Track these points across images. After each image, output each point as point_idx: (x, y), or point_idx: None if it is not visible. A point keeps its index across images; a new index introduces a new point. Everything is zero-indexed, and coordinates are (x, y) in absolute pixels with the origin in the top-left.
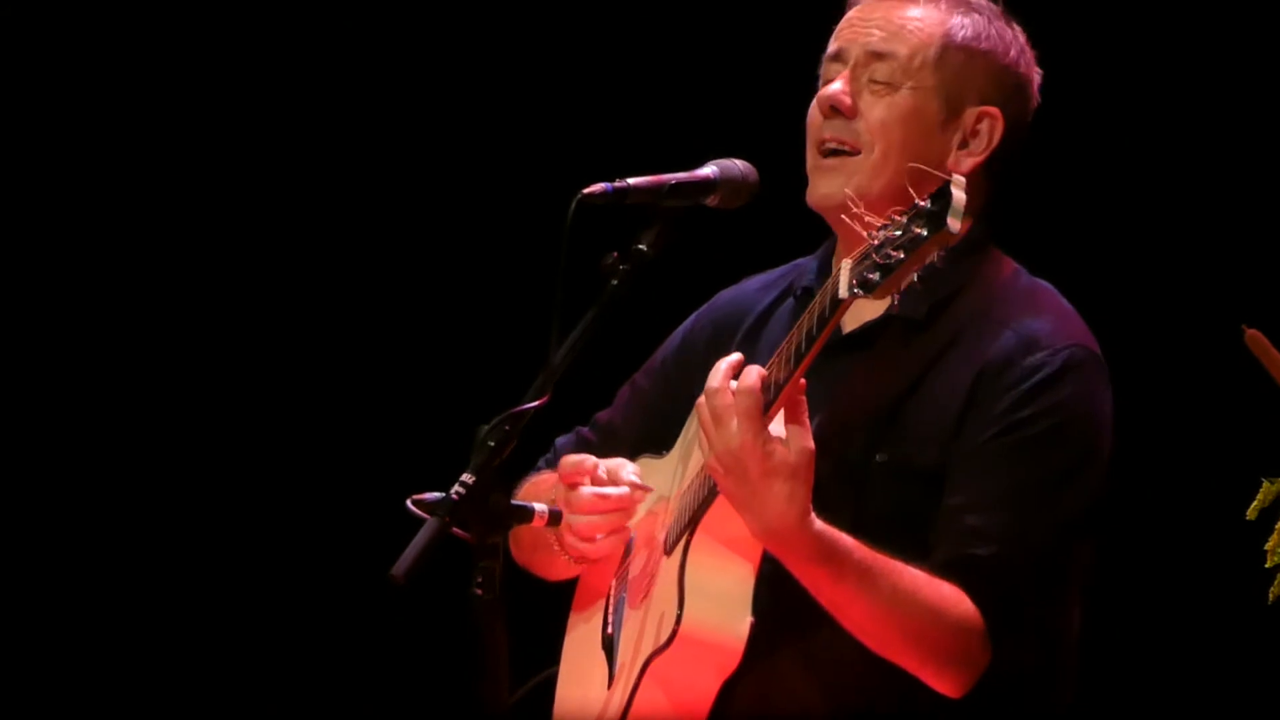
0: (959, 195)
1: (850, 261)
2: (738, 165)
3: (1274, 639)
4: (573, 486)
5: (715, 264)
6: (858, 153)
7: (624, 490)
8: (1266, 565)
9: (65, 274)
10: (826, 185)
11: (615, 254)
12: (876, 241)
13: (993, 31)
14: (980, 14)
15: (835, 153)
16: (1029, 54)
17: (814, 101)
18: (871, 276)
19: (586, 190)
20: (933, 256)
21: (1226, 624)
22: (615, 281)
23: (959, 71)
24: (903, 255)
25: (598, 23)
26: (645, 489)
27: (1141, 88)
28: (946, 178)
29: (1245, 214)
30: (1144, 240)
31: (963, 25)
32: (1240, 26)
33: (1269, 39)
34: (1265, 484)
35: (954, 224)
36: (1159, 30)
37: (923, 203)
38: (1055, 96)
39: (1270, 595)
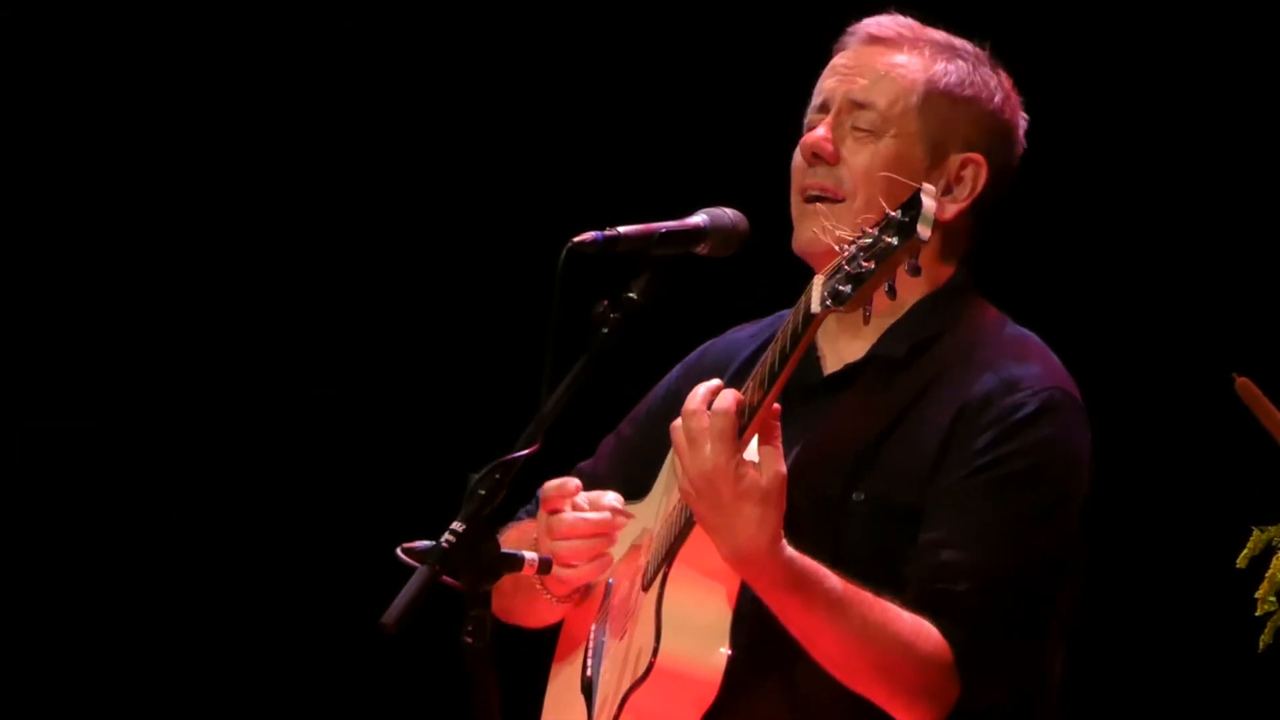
0: (929, 203)
1: (822, 276)
2: (728, 214)
3: (1263, 687)
4: (554, 511)
5: (701, 313)
6: (841, 200)
7: (605, 515)
8: (1256, 614)
9: (65, 276)
10: (810, 231)
11: (606, 302)
12: (847, 254)
13: (977, 78)
14: (964, 60)
15: (818, 199)
16: (1014, 99)
17: (797, 148)
18: (843, 289)
19: (577, 239)
20: (904, 266)
21: (1217, 672)
22: (606, 330)
23: (942, 118)
24: (874, 265)
25: (590, 71)
26: (627, 514)
27: (1126, 131)
28: (917, 186)
29: (1237, 261)
30: (1135, 287)
31: (946, 72)
32: (1219, 77)
33: (1250, 87)
34: (1255, 532)
35: (924, 231)
36: (1142, 77)
37: (894, 213)
38: (1042, 141)
39: (1260, 644)
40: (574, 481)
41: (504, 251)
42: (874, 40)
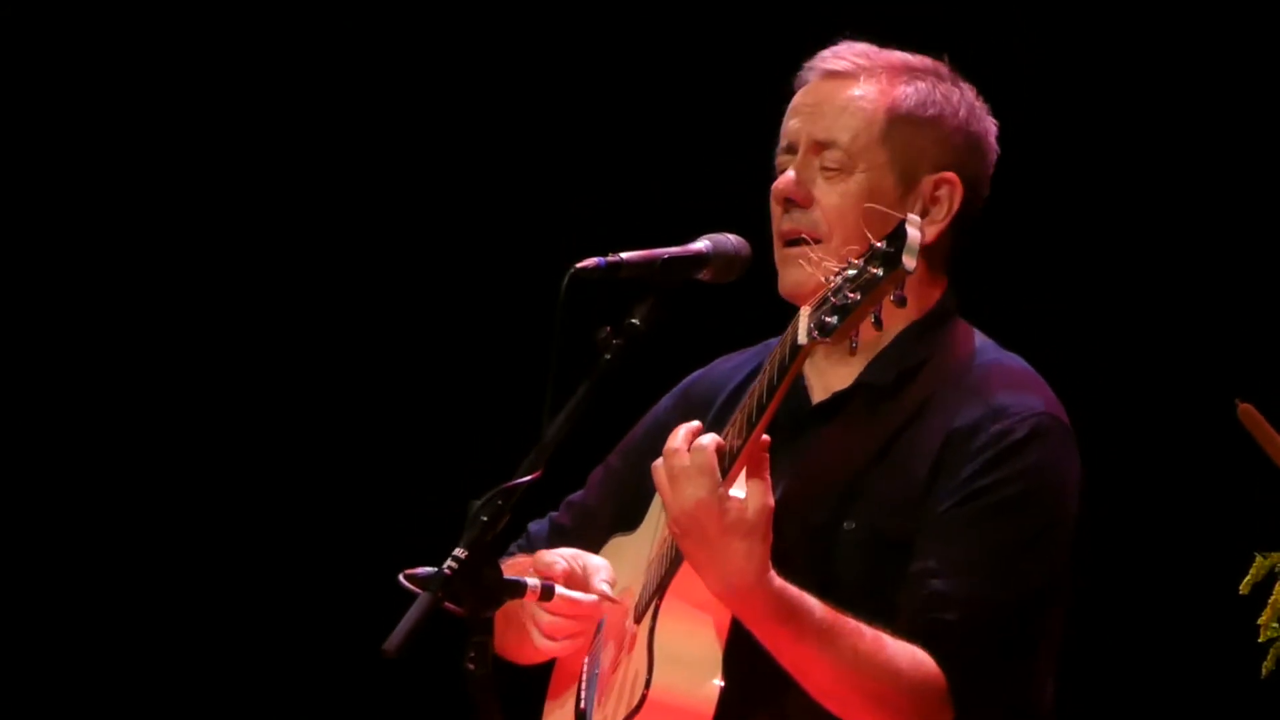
0: (914, 234)
1: (808, 308)
2: (730, 240)
3: (1266, 714)
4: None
5: (691, 339)
6: (819, 241)
7: (593, 599)
8: (1259, 640)
9: (66, 277)
10: (795, 275)
11: (608, 328)
12: (833, 285)
13: (938, 95)
14: (923, 79)
15: (797, 242)
16: (979, 108)
17: (771, 191)
18: (829, 320)
19: (579, 264)
20: (890, 296)
21: (1220, 699)
22: (608, 355)
23: (908, 143)
24: (859, 296)
25: (593, 97)
26: (615, 601)
27: (1120, 149)
28: (901, 217)
29: (1238, 283)
30: (1134, 309)
31: (906, 95)
32: (1210, 99)
33: (1241, 106)
34: (1258, 558)
35: (909, 262)
36: (1131, 94)
37: (879, 244)
38: (1029, 159)
39: (1263, 670)
40: (563, 563)
41: (506, 276)
42: (830, 75)
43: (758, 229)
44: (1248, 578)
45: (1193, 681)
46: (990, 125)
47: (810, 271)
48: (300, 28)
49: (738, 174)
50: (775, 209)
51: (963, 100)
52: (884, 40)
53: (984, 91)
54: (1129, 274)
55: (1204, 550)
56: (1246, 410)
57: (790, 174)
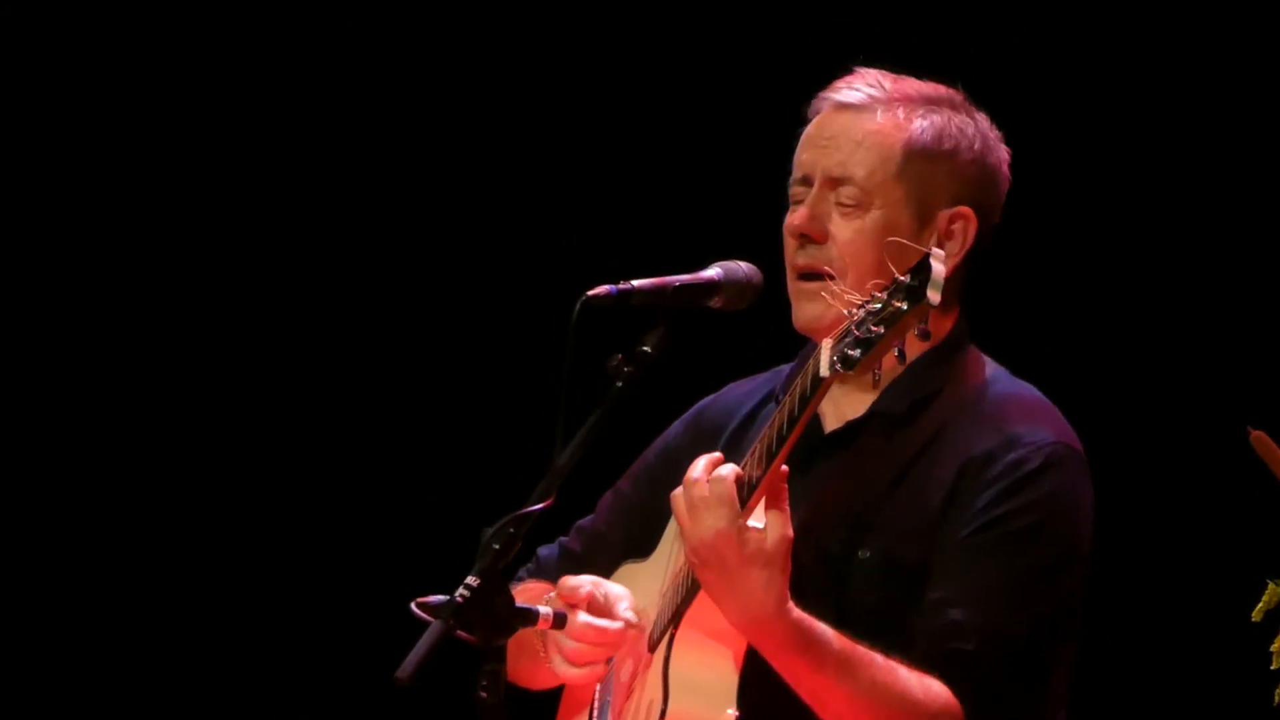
0: (938, 268)
1: (831, 340)
2: (742, 267)
3: None
4: (569, 609)
5: (701, 365)
6: (834, 276)
7: (618, 626)
8: (1272, 667)
9: (66, 278)
10: (811, 310)
11: (620, 355)
12: (856, 318)
13: (953, 128)
14: (938, 111)
15: (813, 276)
16: (992, 139)
17: (785, 224)
18: (852, 353)
19: (591, 292)
20: (914, 330)
21: None
22: (620, 383)
23: (924, 179)
24: (883, 330)
25: (603, 125)
26: (639, 627)
27: (1135, 175)
28: (926, 251)
29: (1250, 309)
30: (1146, 336)
31: (922, 130)
32: (1216, 114)
33: (1248, 124)
34: (1271, 586)
35: (934, 296)
36: (1144, 120)
37: (903, 277)
38: (1046, 188)
39: (1276, 698)
40: (587, 587)
41: (517, 304)
42: (845, 107)
43: (768, 256)
44: (1260, 605)
45: (1205, 709)
46: (1003, 154)
47: (827, 306)
48: (309, 43)
49: (749, 200)
50: (790, 243)
51: (977, 132)
52: (895, 55)
53: (994, 108)
54: (1142, 300)
55: (1217, 577)
56: (1259, 437)
57: (805, 209)
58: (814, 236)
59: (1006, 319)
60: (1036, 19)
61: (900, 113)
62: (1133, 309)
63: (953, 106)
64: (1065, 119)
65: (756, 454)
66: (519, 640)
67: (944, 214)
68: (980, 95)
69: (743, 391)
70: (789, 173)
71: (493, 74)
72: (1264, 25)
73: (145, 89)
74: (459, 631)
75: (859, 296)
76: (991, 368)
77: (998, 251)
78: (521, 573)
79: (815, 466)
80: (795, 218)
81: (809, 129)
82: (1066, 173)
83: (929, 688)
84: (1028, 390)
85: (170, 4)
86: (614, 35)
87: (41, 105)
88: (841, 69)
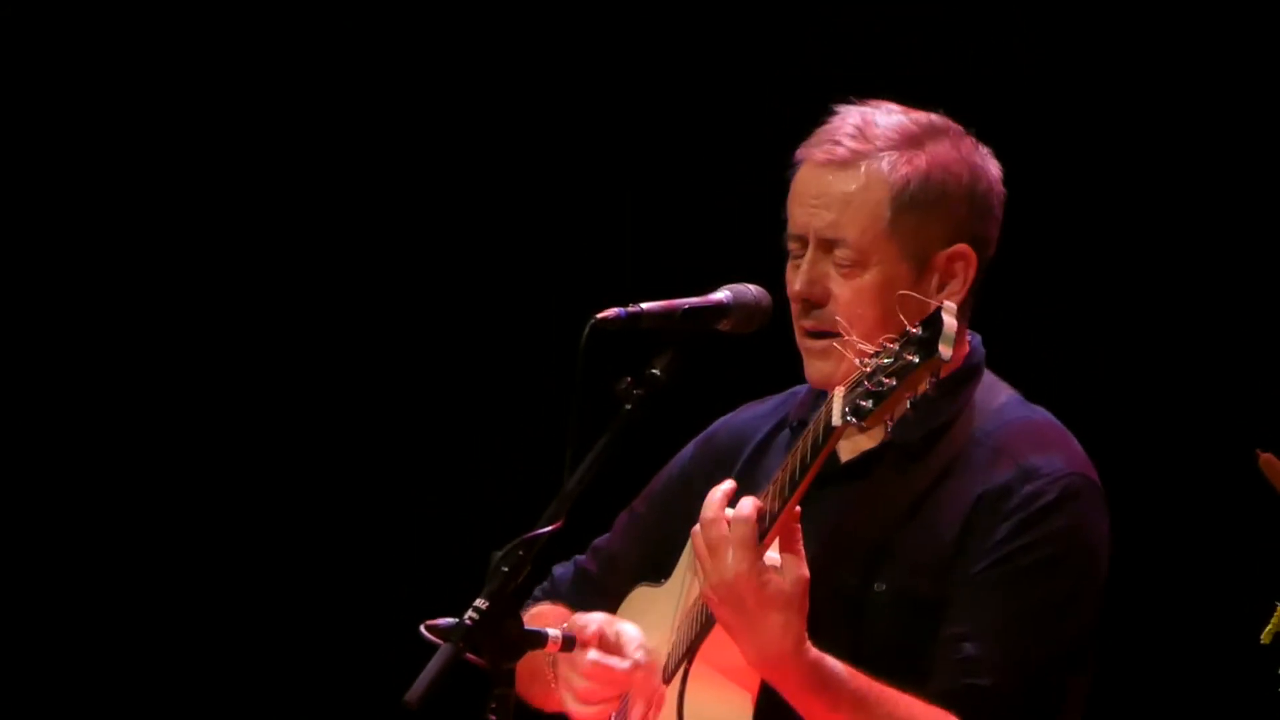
0: (950, 321)
1: (843, 389)
2: (751, 290)
3: None
4: (580, 646)
5: (713, 386)
6: (841, 334)
7: (627, 665)
8: None
9: (68, 278)
10: (823, 369)
11: (629, 379)
12: (869, 369)
13: (938, 170)
14: (924, 150)
15: (821, 334)
16: (979, 163)
17: (787, 277)
18: (864, 404)
19: (600, 315)
20: (925, 384)
21: None
22: (629, 406)
23: (917, 229)
24: (895, 382)
25: (611, 142)
26: (649, 669)
27: (1147, 191)
28: (938, 305)
29: (1259, 331)
30: (1155, 359)
31: (909, 179)
32: (1220, 124)
33: (1254, 132)
34: (1279, 607)
35: (945, 351)
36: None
37: (914, 330)
38: (1058, 209)
39: None
40: (595, 625)
41: (526, 327)
42: (829, 164)
43: (776, 278)
44: (1269, 627)
45: None
46: (994, 173)
47: (837, 363)
48: (312, 48)
49: (758, 222)
50: (794, 305)
51: (964, 162)
52: (895, 57)
53: (997, 112)
54: (1151, 317)
55: (1225, 600)
56: (1268, 460)
57: (804, 275)
58: (816, 300)
59: (1016, 335)
60: (1038, 20)
61: (884, 163)
62: (1142, 326)
63: (936, 139)
64: (1070, 123)
65: (769, 495)
66: (532, 664)
67: (941, 255)
68: (982, 100)
69: (757, 414)
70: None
71: (505, 98)
72: (1267, 23)
73: (145, 89)
74: (468, 654)
75: (870, 346)
76: (1005, 394)
77: (1005, 266)
78: (537, 592)
79: (829, 498)
80: (795, 284)
81: (795, 183)
82: (1070, 182)
83: None
84: (1041, 416)
85: (170, 4)
86: (627, 57)
87: (41, 105)
88: (842, 91)
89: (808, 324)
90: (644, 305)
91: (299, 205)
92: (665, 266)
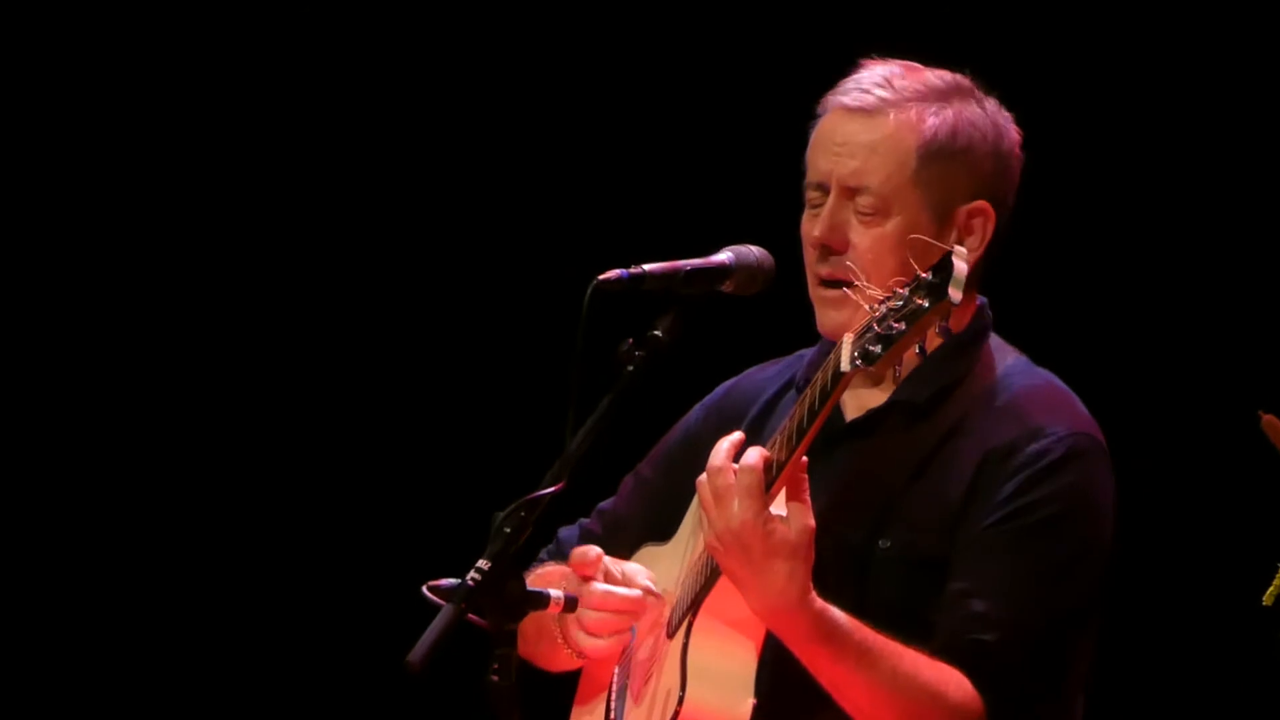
0: (960, 266)
1: (851, 335)
2: (753, 251)
3: None
4: (585, 580)
5: (720, 349)
6: (856, 284)
7: (636, 594)
8: None
9: (67, 279)
10: (836, 318)
11: (631, 340)
12: (878, 314)
13: (965, 123)
14: (949, 106)
15: (836, 283)
16: (1003, 124)
17: (804, 227)
18: (873, 349)
19: (602, 276)
20: (934, 327)
21: (1242, 710)
22: (631, 368)
23: (942, 180)
24: (904, 326)
25: (613, 108)
26: (658, 596)
27: (1150, 163)
28: (948, 249)
29: (1264, 295)
30: (1160, 320)
31: (936, 128)
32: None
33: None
34: None
35: (955, 294)
36: (1166, 109)
37: (924, 275)
38: (1065, 175)
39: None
40: (596, 551)
41: (528, 289)
42: (856, 111)
43: (778, 240)
44: (1271, 589)
45: (1215, 693)
46: (1015, 137)
47: (852, 312)
48: (314, 39)
49: (760, 185)
50: (810, 252)
51: (989, 121)
52: (906, 36)
53: (1007, 91)
54: (1152, 281)
55: (1226, 562)
56: (1270, 421)
57: (824, 220)
58: (834, 247)
59: (1023, 304)
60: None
61: (913, 113)
62: (1148, 293)
63: (962, 97)
64: (1081, 100)
65: (776, 445)
66: (537, 623)
67: (963, 210)
68: (993, 79)
69: (764, 376)
70: (800, 159)
71: (505, 55)
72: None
73: (145, 89)
74: (470, 615)
75: (880, 292)
76: (1012, 357)
77: (1014, 237)
78: (542, 554)
79: (836, 455)
80: (814, 230)
81: (820, 131)
82: (1081, 157)
83: (949, 678)
84: (1048, 379)
85: (170, 4)
86: (625, 15)
87: (42, 105)
88: (850, 59)
89: (824, 271)
90: (646, 267)
91: (292, 169)
92: (667, 229)
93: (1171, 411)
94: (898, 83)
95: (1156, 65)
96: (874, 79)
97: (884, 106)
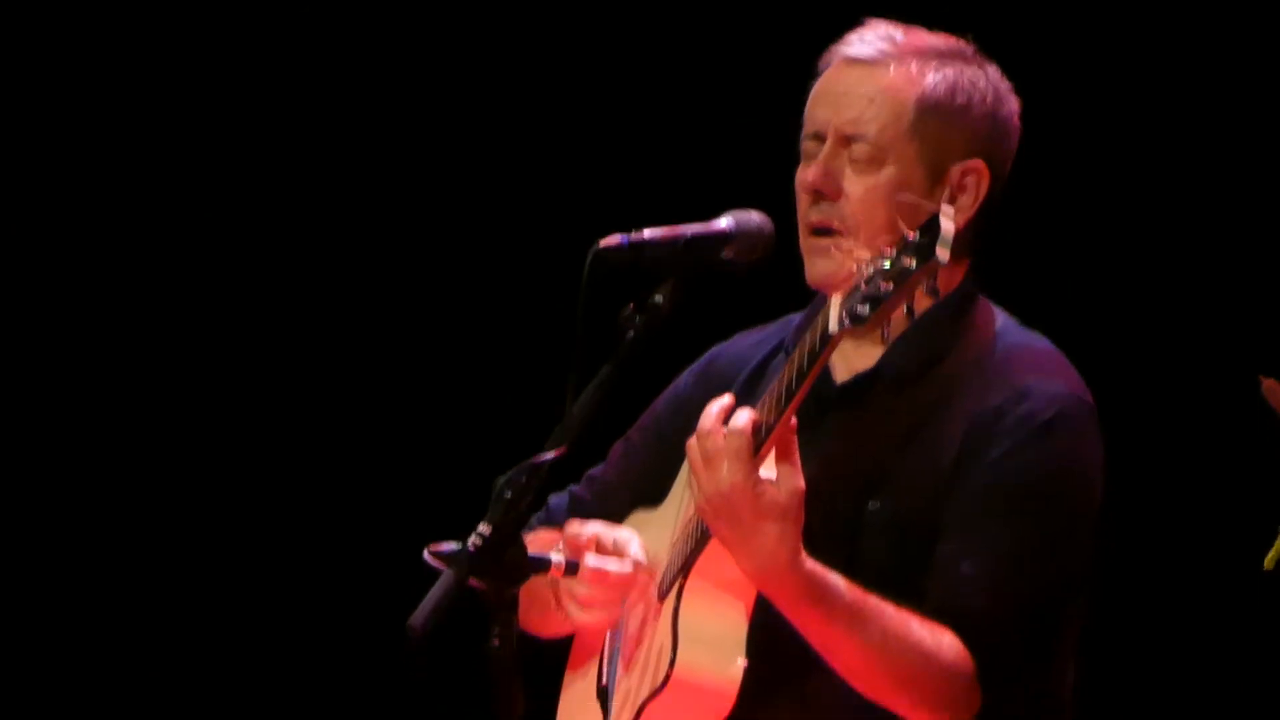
0: (948, 225)
1: (839, 296)
2: (754, 217)
3: None
4: (576, 553)
5: (711, 316)
6: (845, 233)
7: (627, 568)
8: None
9: (67, 279)
10: (824, 266)
11: (631, 305)
12: (866, 275)
13: (965, 81)
14: (950, 64)
15: (826, 231)
16: (1003, 91)
17: (797, 178)
18: (861, 310)
19: (602, 242)
20: (923, 287)
21: (1242, 674)
22: (632, 333)
23: (938, 134)
24: (892, 287)
25: (611, 72)
26: (649, 570)
27: (1140, 125)
28: (935, 208)
29: (1264, 258)
30: (1157, 284)
31: (935, 84)
32: (1229, 70)
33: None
34: None
35: (943, 254)
36: (1153, 72)
37: (911, 235)
38: (1052, 138)
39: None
40: (592, 528)
41: (527, 254)
42: (856, 62)
43: (778, 207)
44: (1271, 554)
45: (1215, 659)
46: (1014, 106)
47: (840, 261)
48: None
49: (758, 151)
50: (802, 199)
51: (989, 84)
52: (906, 17)
53: (1004, 61)
54: (1146, 246)
55: (1227, 526)
56: (1271, 386)
57: (818, 165)
58: (827, 193)
59: (1014, 269)
60: None
61: (913, 66)
62: (1142, 257)
63: (964, 59)
64: (1076, 72)
65: (766, 406)
66: (530, 589)
67: (956, 168)
68: (990, 48)
69: (753, 341)
70: (798, 125)
71: (499, 18)
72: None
73: (145, 89)
74: (471, 580)
75: (868, 253)
76: (1001, 319)
77: (1006, 202)
78: (533, 521)
79: (825, 420)
80: (808, 174)
81: (820, 83)
82: (1074, 125)
83: (940, 640)
84: (1038, 341)
85: (170, 4)
86: None
87: (42, 105)
88: (851, 18)
89: (814, 218)
90: (646, 232)
91: (285, 149)
92: (665, 195)
93: (1168, 377)
94: (900, 39)
95: (1151, 42)
96: (877, 33)
97: (884, 59)
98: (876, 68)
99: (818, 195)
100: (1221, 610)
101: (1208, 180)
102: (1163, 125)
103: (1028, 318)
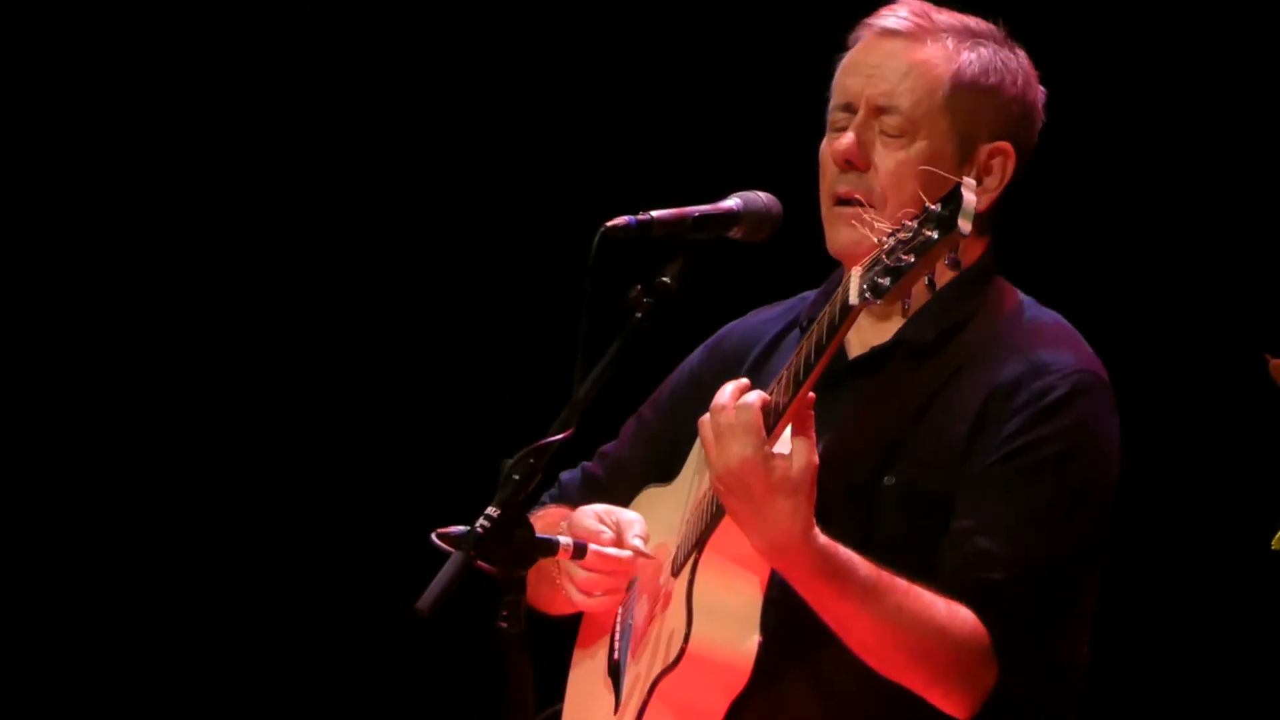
0: (969, 197)
1: (860, 268)
2: (761, 197)
3: None
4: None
5: (725, 295)
6: (874, 205)
7: (627, 554)
8: None
9: (67, 279)
10: (848, 235)
11: (639, 287)
12: (886, 247)
13: (999, 63)
14: (985, 45)
15: (850, 201)
16: (1033, 78)
17: (824, 149)
18: (882, 281)
19: (610, 223)
20: (944, 259)
21: (1249, 657)
22: (639, 314)
23: (970, 111)
24: (913, 259)
25: (620, 53)
26: (649, 557)
27: (1154, 110)
28: (957, 180)
29: (1271, 240)
30: (1165, 265)
31: (970, 62)
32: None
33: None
34: None
35: (965, 225)
36: (1156, 44)
37: (934, 206)
38: (1069, 122)
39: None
40: (594, 520)
41: (536, 236)
42: (892, 34)
43: (785, 185)
44: (1279, 535)
45: (1223, 640)
46: (1041, 93)
47: (863, 232)
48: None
49: (768, 130)
50: (830, 168)
51: (1019, 68)
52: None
53: (1029, 46)
54: (1157, 225)
55: (1234, 507)
56: (1278, 366)
57: (850, 136)
58: (857, 164)
59: (1032, 249)
60: None
61: (949, 43)
62: (1157, 236)
63: (996, 41)
64: (1094, 58)
65: (783, 381)
66: (539, 568)
67: (985, 148)
68: (1017, 33)
69: (766, 317)
70: (805, 107)
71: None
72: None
73: (145, 89)
74: (479, 562)
75: (889, 225)
76: (1019, 296)
77: (1026, 186)
78: (544, 497)
79: (841, 393)
80: (841, 143)
81: (852, 55)
82: (1092, 110)
83: (955, 614)
84: (1054, 318)
85: (170, 4)
86: None
87: (41, 105)
88: (857, 3)
89: (841, 189)
90: (654, 213)
91: (286, 147)
92: (673, 176)
93: (1180, 358)
94: (935, 16)
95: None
96: (911, 9)
97: (920, 33)
98: (912, 41)
99: (848, 165)
100: (1231, 592)
101: (1218, 168)
102: (1178, 112)
103: (1042, 301)
